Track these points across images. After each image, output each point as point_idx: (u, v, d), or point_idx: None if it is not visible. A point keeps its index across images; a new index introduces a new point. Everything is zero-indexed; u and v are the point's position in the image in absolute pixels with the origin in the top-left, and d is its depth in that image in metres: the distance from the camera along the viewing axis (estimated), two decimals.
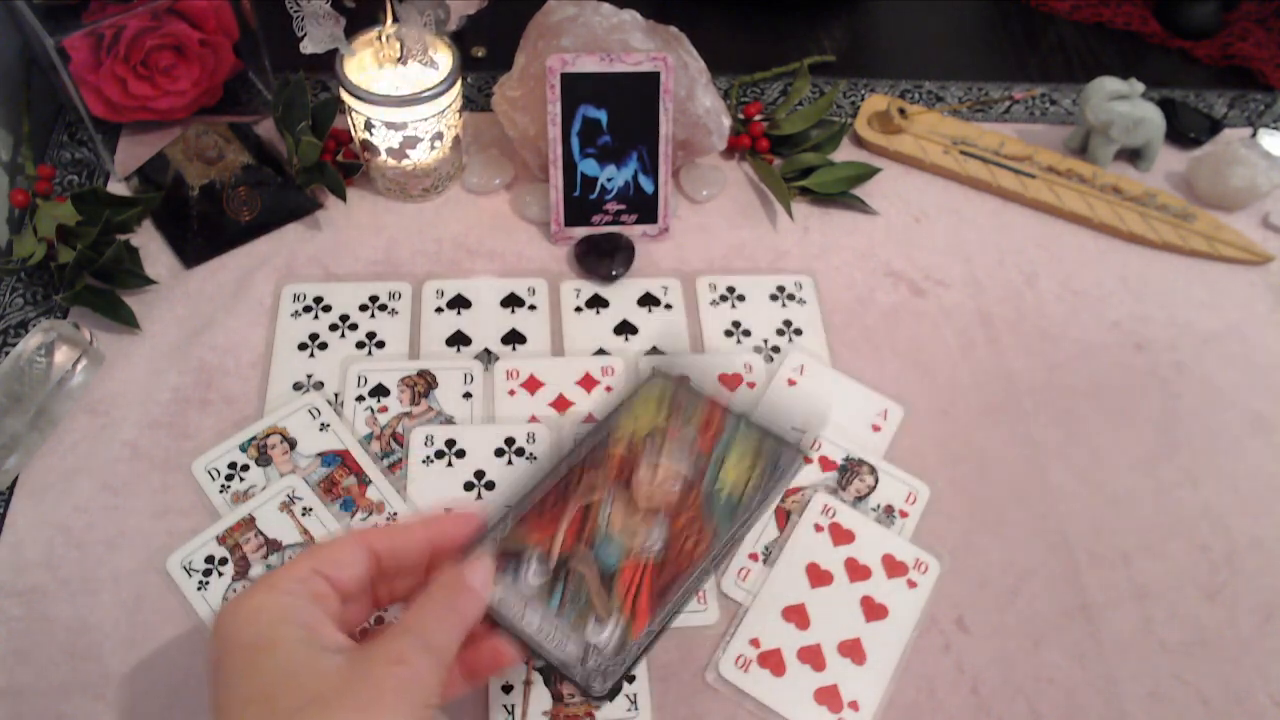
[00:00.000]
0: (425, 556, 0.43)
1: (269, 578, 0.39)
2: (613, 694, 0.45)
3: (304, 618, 0.37)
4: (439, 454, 0.59)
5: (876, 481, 0.60)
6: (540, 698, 0.51)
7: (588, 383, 0.63)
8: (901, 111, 0.78)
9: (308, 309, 0.65)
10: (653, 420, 0.52)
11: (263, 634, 0.37)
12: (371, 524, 0.56)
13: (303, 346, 0.64)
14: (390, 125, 0.66)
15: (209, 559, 0.54)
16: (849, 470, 0.61)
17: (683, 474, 0.50)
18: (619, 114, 0.67)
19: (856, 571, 0.56)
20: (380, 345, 0.64)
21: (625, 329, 0.66)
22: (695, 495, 0.49)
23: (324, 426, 0.60)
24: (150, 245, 0.68)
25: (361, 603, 0.42)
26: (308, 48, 0.61)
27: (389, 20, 0.65)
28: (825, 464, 0.61)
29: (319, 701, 0.34)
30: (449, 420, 0.61)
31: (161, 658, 0.51)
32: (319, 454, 0.59)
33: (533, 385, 0.63)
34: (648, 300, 0.68)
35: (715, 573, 0.49)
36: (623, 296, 0.68)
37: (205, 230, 0.67)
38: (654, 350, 0.65)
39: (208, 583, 0.53)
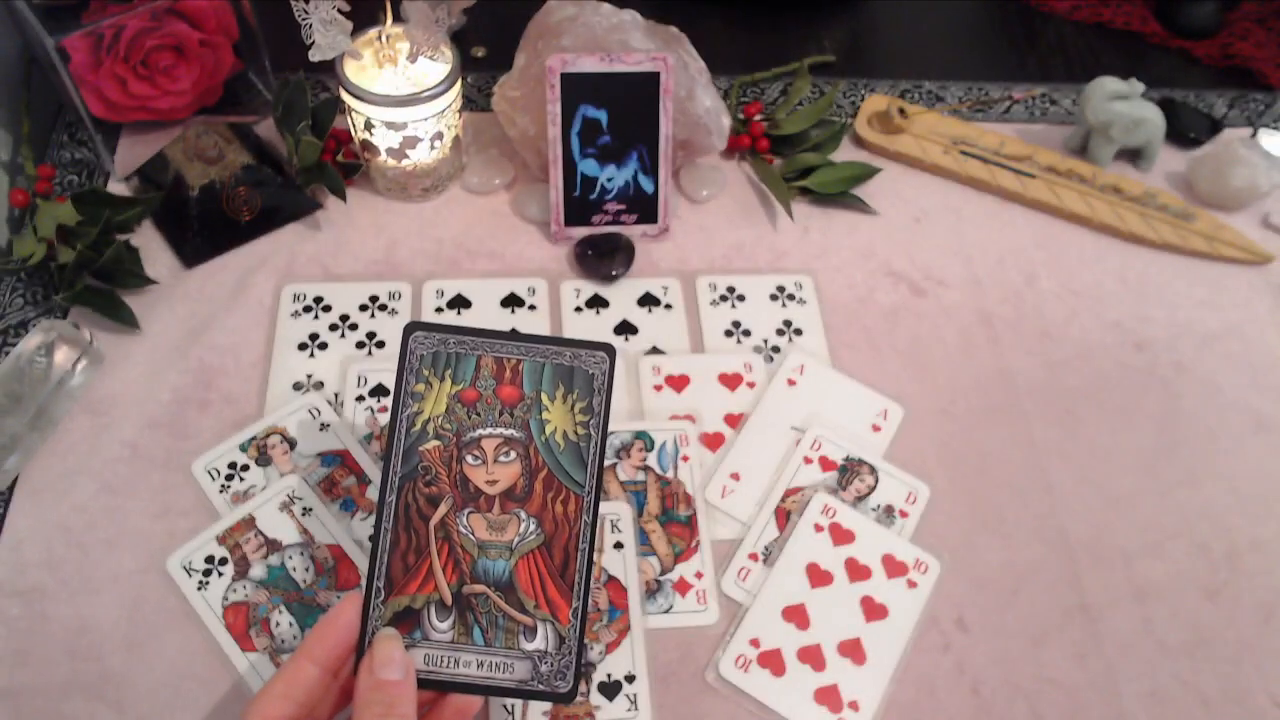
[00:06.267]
0: (354, 636, 0.43)
1: None
2: (574, 692, 0.44)
3: None
4: None
5: (876, 481, 0.60)
6: None
7: None
8: (901, 111, 0.78)
9: (308, 309, 0.65)
10: (440, 391, 0.45)
11: None
12: (370, 525, 0.56)
13: (303, 346, 0.64)
14: (390, 125, 0.66)
15: (209, 559, 0.54)
16: (849, 470, 0.61)
17: (509, 437, 0.45)
18: (619, 114, 0.67)
19: (856, 571, 0.56)
20: (380, 345, 0.64)
21: (625, 329, 0.66)
22: (534, 453, 0.45)
23: (324, 426, 0.60)
24: (150, 245, 0.68)
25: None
26: (316, 56, 0.61)
27: (389, 20, 0.65)
28: (825, 464, 0.61)
29: None
30: None
31: (161, 658, 0.52)
32: (319, 454, 0.59)
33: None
34: (648, 300, 0.68)
35: (597, 521, 0.45)
36: (623, 296, 0.68)
37: (205, 230, 0.67)
38: (654, 350, 0.65)
39: (208, 583, 0.53)
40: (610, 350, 0.46)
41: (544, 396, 0.46)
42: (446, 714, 0.44)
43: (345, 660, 0.43)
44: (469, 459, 0.45)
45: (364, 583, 0.44)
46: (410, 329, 0.46)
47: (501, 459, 0.45)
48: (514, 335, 0.46)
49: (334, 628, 0.42)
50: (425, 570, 0.44)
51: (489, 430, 0.45)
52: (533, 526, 0.44)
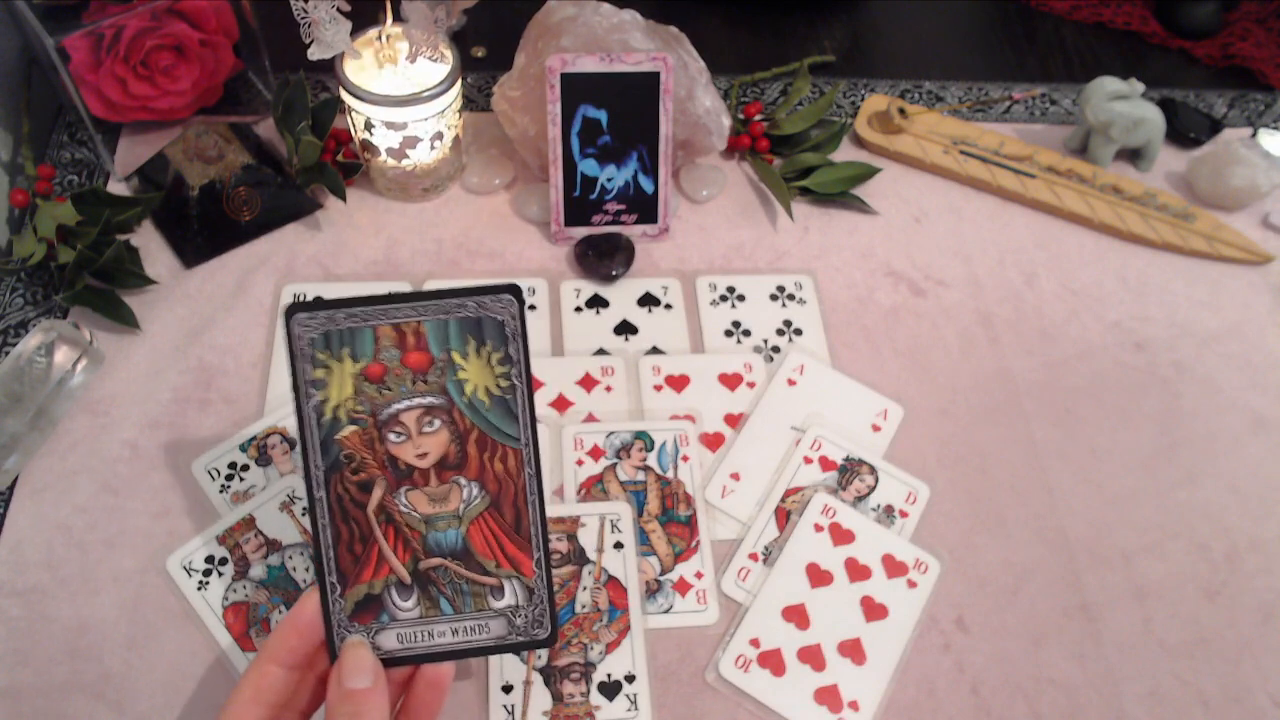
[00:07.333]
0: (318, 634, 0.42)
1: None
2: (554, 636, 0.44)
3: None
4: None
5: (876, 481, 0.60)
6: (540, 698, 0.51)
7: (588, 383, 0.63)
8: (901, 111, 0.78)
9: None
10: (343, 373, 0.42)
11: None
12: None
13: None
14: (390, 125, 0.66)
15: (209, 559, 0.54)
16: (849, 470, 0.61)
17: (429, 406, 0.43)
18: (619, 114, 0.67)
19: (856, 571, 0.56)
20: None
21: (625, 329, 0.66)
22: (459, 416, 0.43)
23: None
24: (150, 245, 0.68)
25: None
26: (315, 54, 0.61)
27: (389, 20, 0.65)
28: (825, 464, 0.61)
29: None
30: None
31: (161, 658, 0.52)
32: None
33: (533, 385, 0.63)
34: (648, 300, 0.68)
35: (541, 469, 0.44)
36: (623, 296, 0.68)
37: (205, 230, 0.67)
38: (654, 350, 0.65)
39: (208, 583, 0.53)
40: (515, 289, 0.43)
41: (455, 355, 0.43)
42: (420, 689, 0.43)
43: (312, 656, 0.42)
44: (391, 437, 0.42)
45: (317, 582, 0.42)
46: (290, 312, 0.42)
47: (426, 429, 0.43)
48: (406, 296, 0.43)
49: (295, 628, 0.42)
50: (375, 556, 0.42)
51: (405, 403, 0.42)
52: (475, 491, 0.43)
